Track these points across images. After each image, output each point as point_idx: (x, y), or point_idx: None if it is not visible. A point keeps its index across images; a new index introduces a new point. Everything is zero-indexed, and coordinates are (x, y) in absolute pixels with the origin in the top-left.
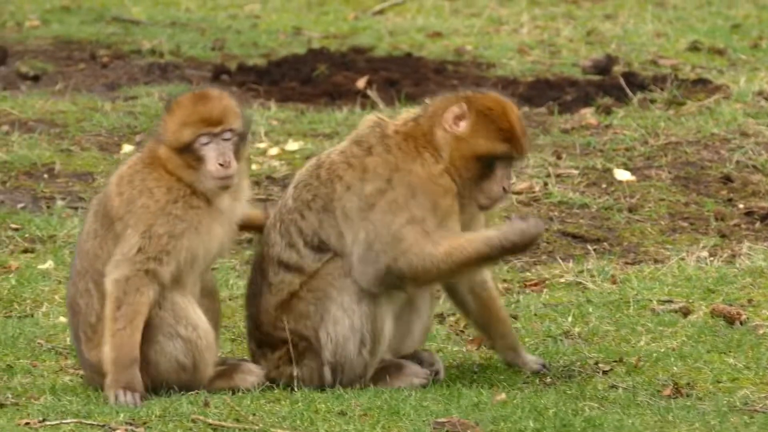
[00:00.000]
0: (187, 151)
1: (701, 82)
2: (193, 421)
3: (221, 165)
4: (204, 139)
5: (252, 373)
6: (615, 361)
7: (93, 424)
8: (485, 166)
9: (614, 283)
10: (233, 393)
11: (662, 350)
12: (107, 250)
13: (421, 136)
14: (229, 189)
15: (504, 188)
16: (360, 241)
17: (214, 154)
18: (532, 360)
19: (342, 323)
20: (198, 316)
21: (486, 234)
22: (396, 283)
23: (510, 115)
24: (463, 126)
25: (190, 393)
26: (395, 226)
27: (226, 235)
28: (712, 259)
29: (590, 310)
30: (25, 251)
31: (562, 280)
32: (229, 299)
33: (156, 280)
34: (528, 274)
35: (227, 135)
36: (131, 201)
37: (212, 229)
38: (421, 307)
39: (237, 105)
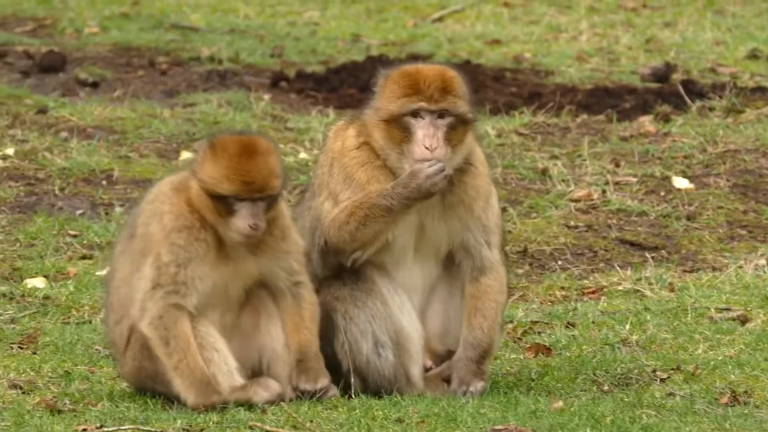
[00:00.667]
0: (220, 201)
1: (760, 90)
2: (251, 427)
3: (251, 227)
4: (241, 197)
5: (268, 389)
6: (672, 369)
7: (150, 430)
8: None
9: (672, 290)
10: (250, 407)
11: (720, 358)
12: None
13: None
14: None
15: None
16: (306, 230)
17: (247, 213)
18: None
19: (349, 330)
20: (216, 340)
21: (383, 186)
22: (333, 262)
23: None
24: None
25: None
26: (318, 204)
27: (233, 278)
28: None
29: (648, 317)
30: (84, 258)
31: (620, 287)
32: None
33: (185, 311)
34: (586, 281)
35: (265, 199)
36: (147, 223)
37: (218, 267)
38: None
39: (279, 165)
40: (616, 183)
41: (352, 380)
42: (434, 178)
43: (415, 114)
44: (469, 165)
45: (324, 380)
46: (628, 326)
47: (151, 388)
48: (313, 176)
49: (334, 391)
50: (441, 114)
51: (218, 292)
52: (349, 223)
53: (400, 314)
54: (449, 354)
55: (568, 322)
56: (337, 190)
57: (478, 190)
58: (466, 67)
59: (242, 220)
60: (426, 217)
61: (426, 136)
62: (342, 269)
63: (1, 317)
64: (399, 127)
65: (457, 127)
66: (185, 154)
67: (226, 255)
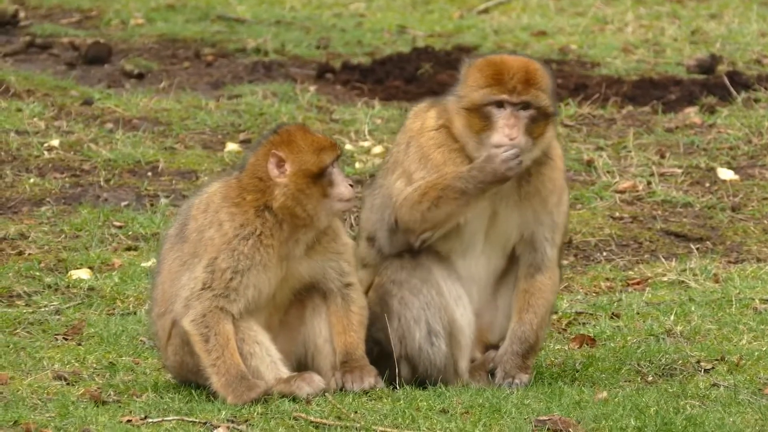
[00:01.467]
0: (322, 177)
1: None
2: (295, 418)
3: (350, 186)
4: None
5: (311, 383)
6: (717, 360)
7: (195, 422)
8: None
9: (717, 281)
10: (294, 400)
11: (764, 349)
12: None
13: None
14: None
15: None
16: (376, 207)
17: (341, 178)
18: None
19: (403, 315)
20: (257, 332)
21: (458, 169)
22: (402, 241)
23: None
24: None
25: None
26: (390, 182)
27: (284, 283)
28: None
29: (692, 308)
30: (129, 249)
31: (665, 278)
32: None
33: (229, 314)
34: (631, 272)
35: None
36: (201, 230)
37: (276, 267)
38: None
39: None
40: (661, 174)
41: (402, 368)
42: (509, 163)
43: (498, 104)
44: (548, 158)
45: (370, 379)
46: (672, 317)
47: (194, 381)
48: (388, 155)
49: (381, 384)
50: (523, 106)
51: (269, 297)
52: (422, 203)
53: (454, 305)
54: (493, 345)
55: (612, 313)
56: (412, 169)
57: (555, 184)
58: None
59: (342, 184)
60: (500, 204)
61: (506, 125)
62: (407, 250)
63: (47, 308)
64: (480, 116)
65: (538, 120)
66: (230, 146)
67: (283, 257)
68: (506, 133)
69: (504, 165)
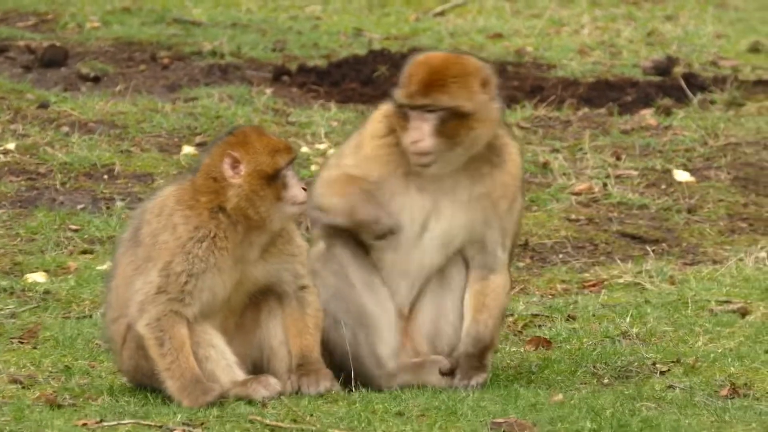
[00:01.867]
0: (273, 180)
1: (761, 83)
2: (251, 421)
3: (304, 189)
4: (288, 164)
5: (267, 387)
6: (672, 362)
7: (150, 425)
8: None
9: (673, 283)
10: (250, 403)
11: (720, 351)
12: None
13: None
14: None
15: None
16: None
17: (294, 181)
18: None
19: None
20: (212, 336)
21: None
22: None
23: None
24: None
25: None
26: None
27: (239, 286)
28: None
29: (648, 310)
30: (84, 252)
31: (621, 280)
32: None
33: (184, 318)
34: (586, 274)
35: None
36: (155, 234)
37: (231, 270)
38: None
39: None
40: (617, 176)
41: (325, 359)
42: (420, 162)
43: (409, 106)
44: (502, 161)
45: (326, 383)
46: (628, 319)
47: (150, 384)
48: None
49: (336, 388)
50: (428, 108)
51: (223, 300)
52: (331, 188)
53: (364, 293)
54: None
55: (568, 315)
56: (345, 153)
57: (506, 189)
58: None
59: (296, 188)
60: (444, 200)
61: (413, 127)
62: (324, 236)
63: (2, 312)
64: (399, 116)
65: (451, 121)
66: (187, 149)
67: (237, 260)
68: (411, 136)
69: (416, 167)
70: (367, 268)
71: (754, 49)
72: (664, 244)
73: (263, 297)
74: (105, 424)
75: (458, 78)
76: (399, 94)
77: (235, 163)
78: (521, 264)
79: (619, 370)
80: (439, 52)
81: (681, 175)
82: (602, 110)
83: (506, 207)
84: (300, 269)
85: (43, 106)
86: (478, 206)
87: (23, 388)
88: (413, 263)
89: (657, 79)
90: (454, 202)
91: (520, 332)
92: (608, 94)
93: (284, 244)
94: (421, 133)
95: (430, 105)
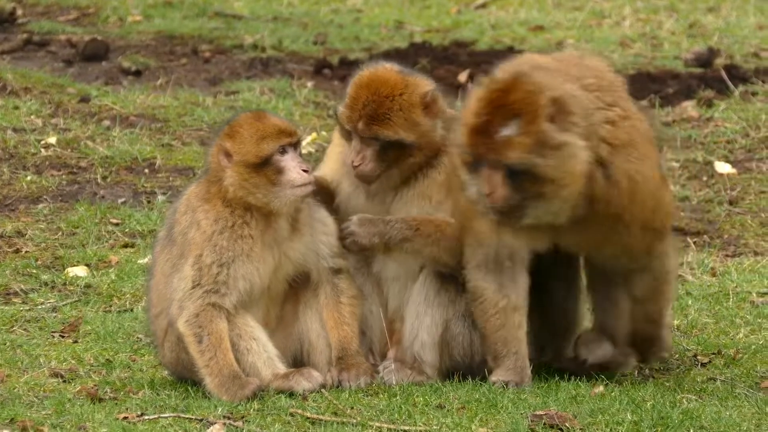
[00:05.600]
0: (265, 167)
1: None
2: (291, 414)
3: (304, 171)
4: (283, 146)
5: (310, 379)
6: (713, 354)
7: (191, 419)
8: None
9: (714, 275)
10: (291, 395)
11: (761, 342)
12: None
13: None
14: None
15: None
16: None
17: (294, 163)
18: None
19: None
20: (254, 328)
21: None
22: None
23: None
24: None
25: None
26: None
27: (277, 270)
28: None
29: (689, 302)
30: (125, 246)
31: None
32: None
33: (223, 310)
34: None
35: (299, 144)
36: (184, 232)
37: (263, 257)
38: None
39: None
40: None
41: None
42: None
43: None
44: (439, 162)
45: (365, 377)
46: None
47: (190, 378)
48: None
49: (377, 381)
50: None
51: (262, 288)
52: None
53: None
54: None
55: None
56: (323, 160)
57: (441, 187)
58: (509, 54)
59: (293, 171)
60: (394, 205)
61: (354, 150)
62: None
63: (43, 306)
64: (342, 132)
65: (391, 149)
66: None
67: (270, 244)
68: (353, 157)
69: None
70: (360, 271)
71: None
72: (705, 236)
73: (301, 288)
74: (146, 417)
75: (402, 110)
76: (342, 115)
77: (227, 154)
78: None
79: (660, 362)
80: (386, 72)
81: (722, 167)
82: (644, 102)
83: (440, 199)
84: (334, 242)
85: (85, 100)
86: (417, 204)
87: (64, 381)
88: (390, 269)
89: (698, 70)
90: (398, 202)
91: None
92: (650, 86)
93: (312, 216)
94: (363, 158)
95: (372, 136)
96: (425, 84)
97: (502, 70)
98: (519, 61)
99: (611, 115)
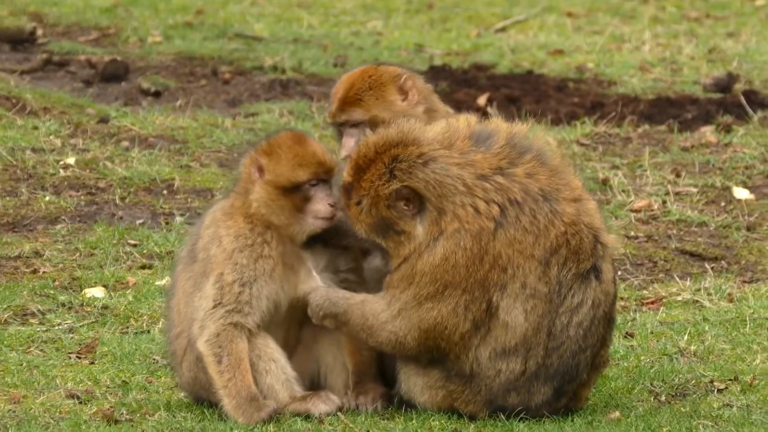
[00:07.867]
0: (295, 193)
1: None
2: None
3: (331, 205)
4: (318, 179)
5: (327, 401)
6: (730, 380)
7: None
8: None
9: (731, 301)
10: (306, 419)
11: None
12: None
13: None
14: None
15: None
16: None
17: (323, 195)
18: None
19: None
20: (273, 350)
21: None
22: None
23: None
24: None
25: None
26: None
27: (295, 287)
28: None
29: (706, 328)
30: (143, 267)
31: (679, 298)
32: None
33: (244, 330)
34: (645, 292)
35: (331, 178)
36: (207, 248)
37: (284, 277)
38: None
39: None
40: (677, 193)
41: None
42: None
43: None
44: None
45: (382, 401)
46: (686, 337)
47: (206, 399)
48: None
49: (393, 407)
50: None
51: (285, 308)
52: None
53: None
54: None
55: (626, 332)
56: None
57: None
58: (528, 77)
59: (321, 203)
60: None
61: (342, 144)
62: None
63: (60, 327)
64: (336, 135)
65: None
66: None
67: (291, 266)
68: (341, 152)
69: None
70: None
71: None
72: (723, 262)
73: None
74: None
75: (373, 90)
76: (325, 114)
77: (261, 170)
78: None
79: (677, 388)
80: (359, 68)
81: (740, 193)
82: (662, 127)
83: None
84: (353, 265)
85: (104, 120)
86: None
87: (80, 403)
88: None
89: (717, 96)
90: None
91: None
92: (669, 110)
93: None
94: (349, 148)
95: (349, 120)
96: (400, 70)
97: None
98: None
99: None
